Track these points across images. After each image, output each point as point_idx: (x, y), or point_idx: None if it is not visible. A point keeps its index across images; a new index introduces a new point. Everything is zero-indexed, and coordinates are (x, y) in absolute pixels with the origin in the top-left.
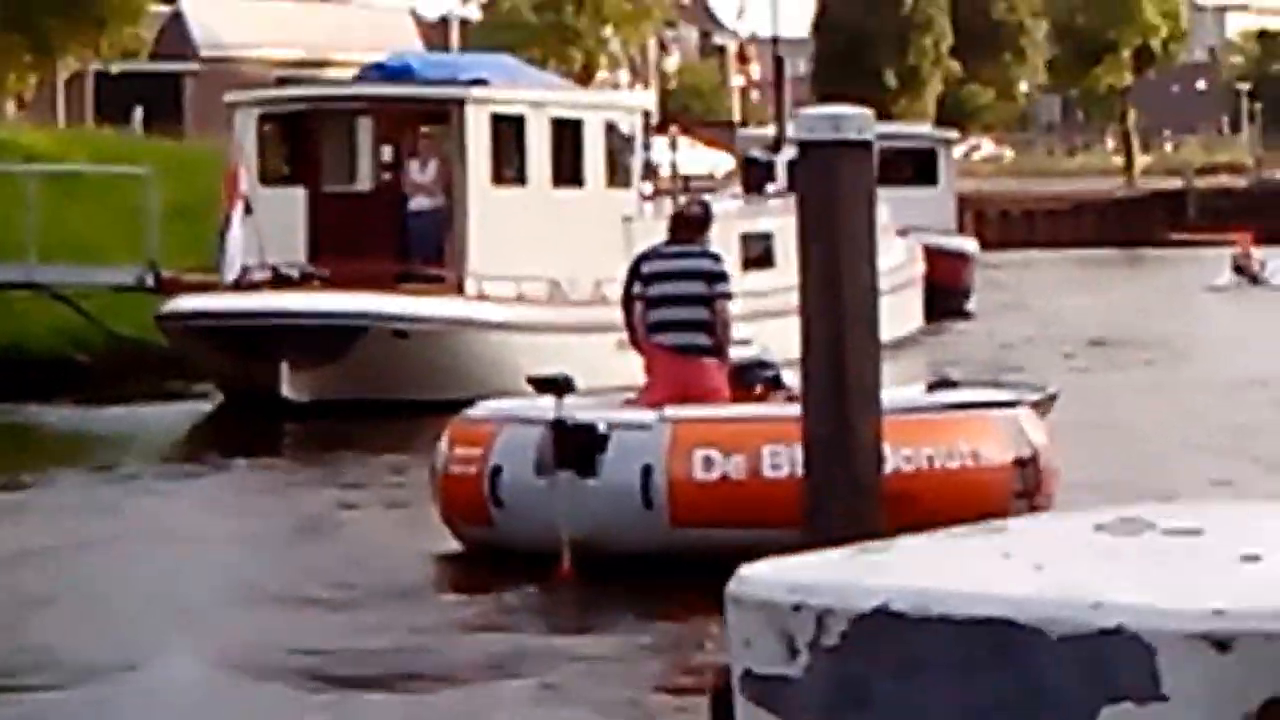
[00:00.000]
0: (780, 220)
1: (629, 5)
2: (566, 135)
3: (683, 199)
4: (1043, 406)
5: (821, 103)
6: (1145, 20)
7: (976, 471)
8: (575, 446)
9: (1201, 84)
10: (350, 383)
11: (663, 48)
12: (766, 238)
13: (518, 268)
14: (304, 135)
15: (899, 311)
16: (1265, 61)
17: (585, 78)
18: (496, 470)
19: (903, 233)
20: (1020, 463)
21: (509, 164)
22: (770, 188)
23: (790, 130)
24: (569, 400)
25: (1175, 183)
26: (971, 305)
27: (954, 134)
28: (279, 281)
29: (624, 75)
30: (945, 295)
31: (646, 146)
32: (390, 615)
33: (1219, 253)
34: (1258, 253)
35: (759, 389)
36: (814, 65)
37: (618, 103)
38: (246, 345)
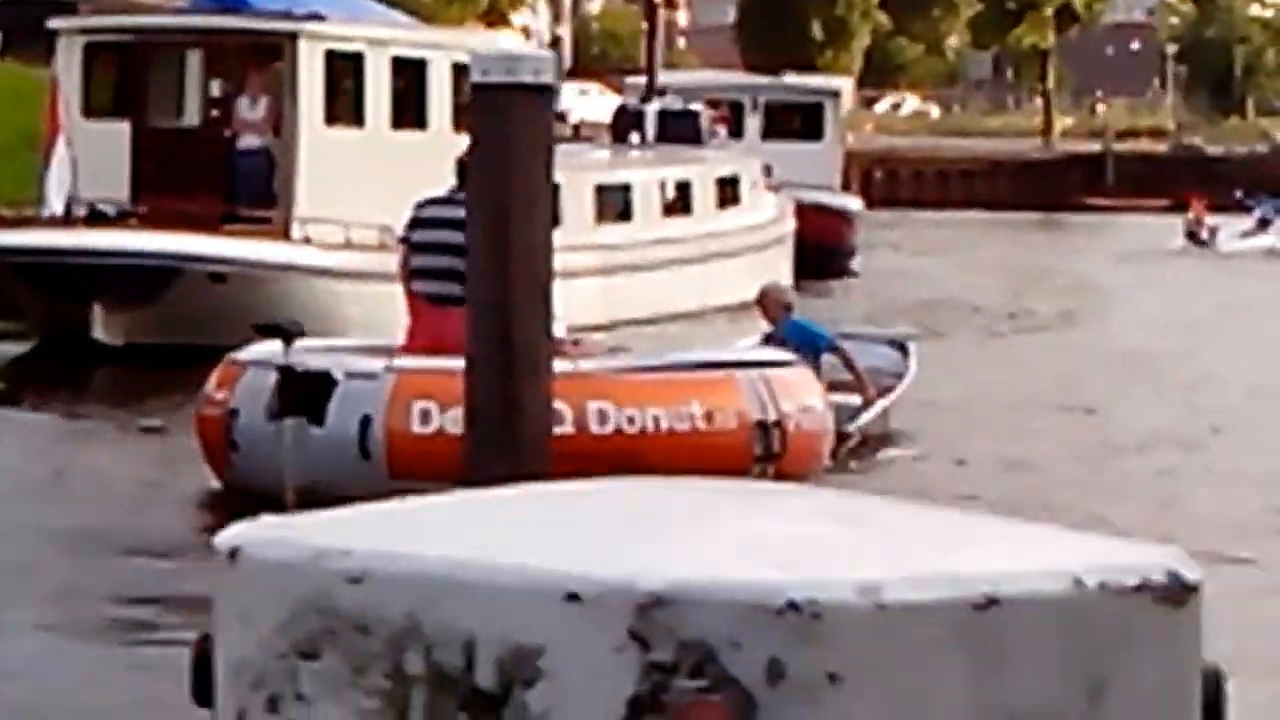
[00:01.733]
0: (641, 172)
1: None
2: (409, 75)
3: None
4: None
5: (746, 54)
6: None
7: (708, 434)
8: (301, 393)
9: (1135, 45)
10: (165, 326)
11: None
12: (624, 189)
13: (349, 212)
14: (130, 67)
15: (763, 269)
16: (1200, 24)
17: (497, 19)
18: (234, 413)
19: (775, 188)
20: (762, 426)
21: (344, 104)
22: (634, 138)
23: (665, 80)
24: (305, 344)
25: (1095, 146)
26: (856, 265)
27: (840, 86)
28: (94, 219)
29: (543, 15)
30: (826, 254)
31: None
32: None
33: (1138, 220)
34: (1211, 219)
35: None
36: (739, 14)
37: (467, 43)
38: (58, 285)
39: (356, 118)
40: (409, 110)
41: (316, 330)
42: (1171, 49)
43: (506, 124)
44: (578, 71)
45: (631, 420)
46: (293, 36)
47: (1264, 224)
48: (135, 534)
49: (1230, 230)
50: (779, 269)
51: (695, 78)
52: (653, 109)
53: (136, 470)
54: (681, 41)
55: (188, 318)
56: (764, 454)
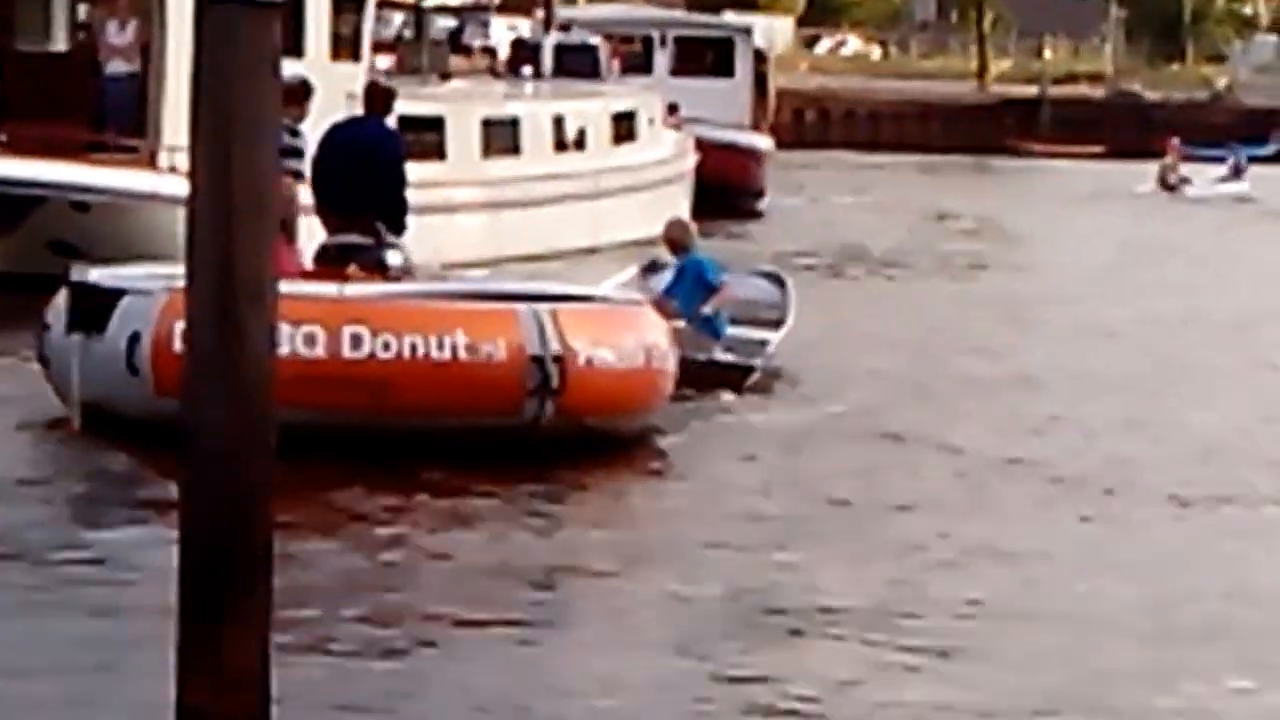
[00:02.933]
0: (531, 106)
1: None
2: (286, 2)
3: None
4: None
5: None
6: None
7: (471, 364)
8: (85, 309)
9: None
10: (26, 255)
11: None
12: (513, 124)
13: None
14: None
15: (660, 206)
16: None
17: None
18: (45, 328)
19: (678, 125)
20: (538, 360)
21: None
22: (527, 70)
23: (573, 14)
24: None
25: (1031, 90)
26: (764, 205)
27: (752, 23)
28: None
29: None
30: (732, 193)
31: (378, 19)
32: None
33: (1072, 165)
34: (1185, 168)
35: (352, 269)
36: None
37: None
38: None
39: None
40: (286, 37)
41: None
42: None
43: (230, 42)
44: (510, 5)
45: (387, 346)
46: None
47: (1237, 171)
48: None
49: (1204, 177)
50: (676, 206)
51: (603, 11)
52: (549, 42)
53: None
54: None
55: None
56: (538, 389)
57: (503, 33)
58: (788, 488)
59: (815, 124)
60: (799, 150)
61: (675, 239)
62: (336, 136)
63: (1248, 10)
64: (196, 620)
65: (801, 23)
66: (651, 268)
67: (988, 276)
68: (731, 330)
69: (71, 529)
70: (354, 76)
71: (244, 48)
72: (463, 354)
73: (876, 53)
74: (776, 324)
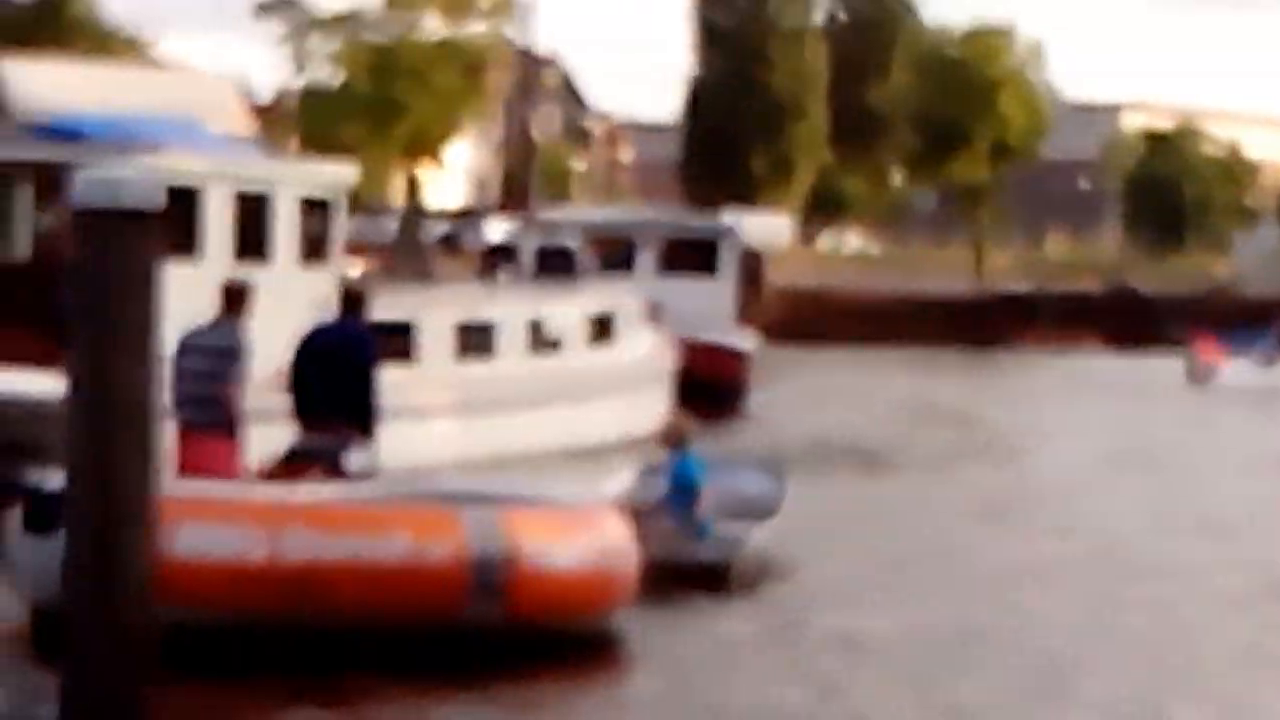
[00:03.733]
0: (506, 309)
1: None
2: (251, 208)
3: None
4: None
5: (689, 189)
6: (1000, 113)
7: (413, 567)
8: (38, 511)
9: (1084, 182)
10: None
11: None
12: (487, 327)
13: None
14: None
15: (638, 406)
16: (1150, 162)
17: (420, 150)
18: (2, 530)
19: (657, 326)
20: (482, 562)
21: (181, 235)
22: (502, 274)
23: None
24: None
25: (1027, 285)
26: (752, 403)
27: (735, 223)
28: None
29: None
30: (716, 392)
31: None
32: None
33: (1069, 359)
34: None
35: (313, 473)
36: (682, 150)
37: (315, 175)
38: None
39: (193, 248)
40: (252, 243)
41: None
42: (1116, 186)
43: (107, 252)
44: (508, 206)
45: (328, 549)
46: None
47: (1270, 360)
48: None
49: (1237, 366)
50: (655, 407)
51: (587, 214)
52: (529, 245)
53: None
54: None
55: None
56: (482, 590)
57: (499, 233)
58: (738, 697)
59: (812, 320)
60: (795, 346)
61: (671, 435)
62: (311, 340)
63: (1248, 201)
64: None
65: (802, 218)
66: (651, 471)
67: (970, 472)
68: (721, 525)
69: None
70: (324, 281)
71: (121, 257)
72: (404, 555)
73: (876, 249)
74: (765, 516)
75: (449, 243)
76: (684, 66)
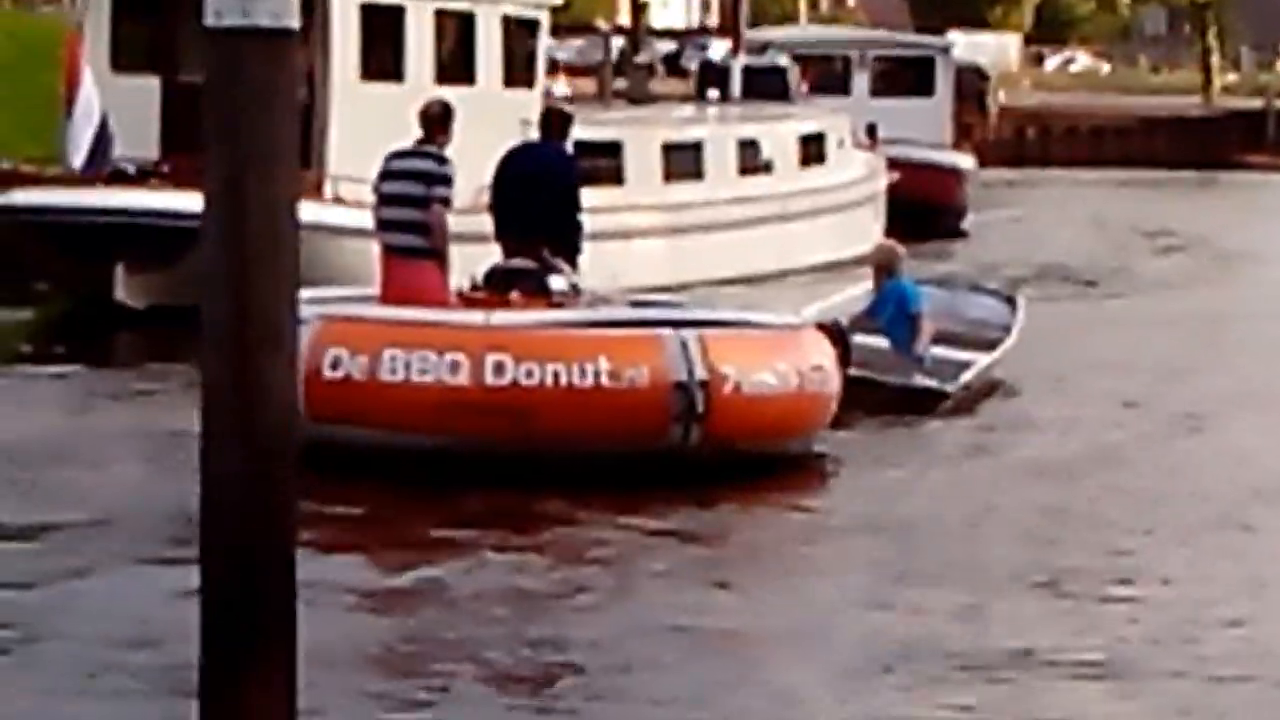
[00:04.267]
0: (714, 130)
1: None
2: (455, 28)
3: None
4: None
5: (915, 11)
6: None
7: (615, 391)
8: None
9: None
10: (190, 289)
11: None
12: (695, 148)
13: None
14: (159, 17)
15: (850, 229)
16: None
17: None
18: None
19: (871, 146)
20: (682, 386)
21: (383, 58)
22: (713, 94)
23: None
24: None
25: (1256, 103)
26: (968, 224)
27: (952, 42)
28: (116, 177)
29: None
30: (933, 213)
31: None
32: None
33: None
34: None
35: (515, 295)
36: None
37: None
38: (79, 245)
39: (396, 72)
40: (455, 64)
41: None
42: None
43: (241, 71)
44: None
45: (530, 374)
46: None
47: None
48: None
49: None
50: (868, 229)
51: (799, 34)
52: (738, 65)
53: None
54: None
55: None
56: (683, 414)
57: (723, 54)
58: (937, 525)
59: (1036, 140)
60: (1020, 168)
61: (882, 263)
62: (511, 162)
63: None
64: (217, 681)
65: (1030, 40)
66: (865, 297)
67: (1194, 293)
68: (942, 351)
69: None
70: (528, 103)
71: (254, 80)
72: (605, 380)
73: (1105, 68)
74: (992, 345)
75: (672, 63)
76: None
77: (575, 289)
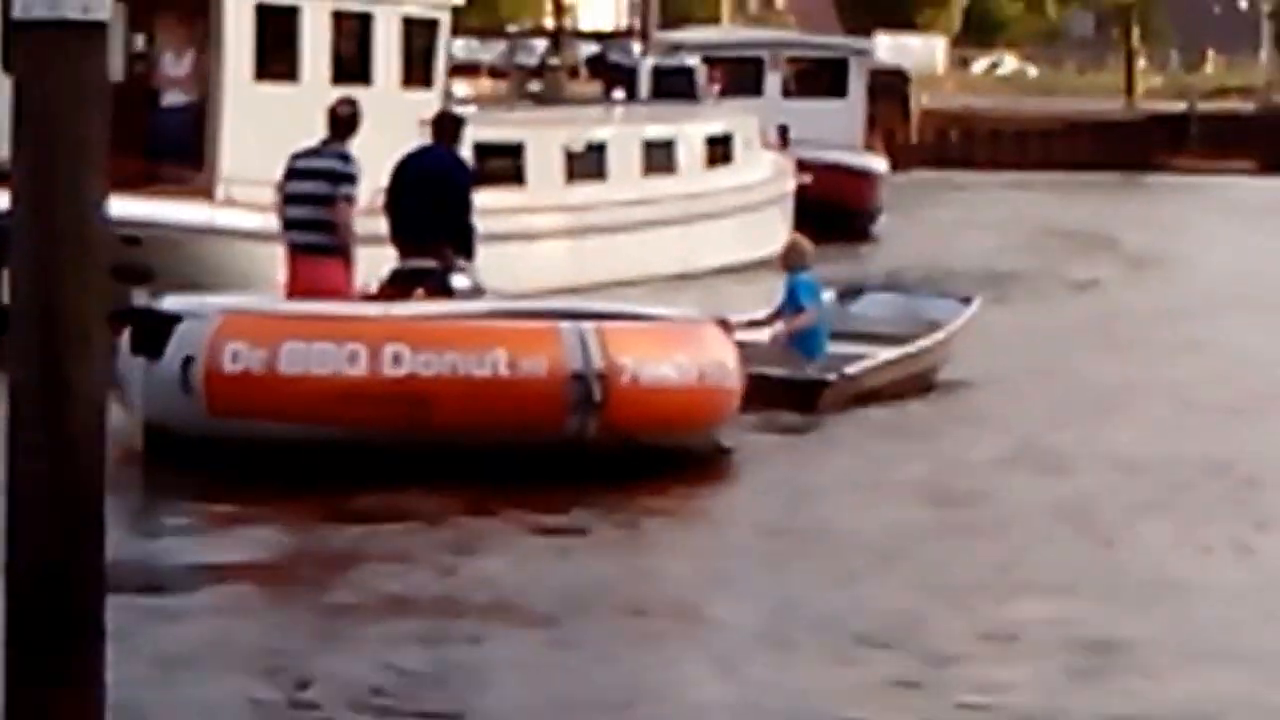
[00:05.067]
0: (617, 130)
1: None
2: (352, 29)
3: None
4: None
5: (843, 13)
6: None
7: (512, 382)
8: (145, 333)
9: (1243, 3)
10: None
11: None
12: (598, 148)
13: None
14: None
15: (755, 230)
16: None
17: None
18: (115, 351)
19: (780, 147)
20: (579, 377)
21: (277, 58)
22: (618, 94)
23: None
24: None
25: (1179, 105)
26: (878, 227)
27: (867, 44)
28: (5, 177)
29: None
30: (845, 216)
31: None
32: None
33: (1223, 180)
34: None
35: (419, 294)
36: None
37: None
38: None
39: (291, 73)
40: (351, 64)
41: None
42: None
43: (50, 66)
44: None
45: (428, 364)
46: None
47: None
48: None
49: None
50: (775, 230)
51: (712, 34)
52: (645, 65)
53: None
54: (781, 1)
55: None
56: (579, 404)
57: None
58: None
59: (959, 143)
60: (943, 170)
61: (785, 256)
62: (407, 165)
63: None
64: (22, 684)
65: (957, 42)
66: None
67: (1099, 294)
68: (843, 347)
69: None
70: (427, 104)
71: (63, 74)
72: (502, 370)
73: (1033, 71)
74: (900, 341)
75: (595, 65)
76: None
77: (478, 288)
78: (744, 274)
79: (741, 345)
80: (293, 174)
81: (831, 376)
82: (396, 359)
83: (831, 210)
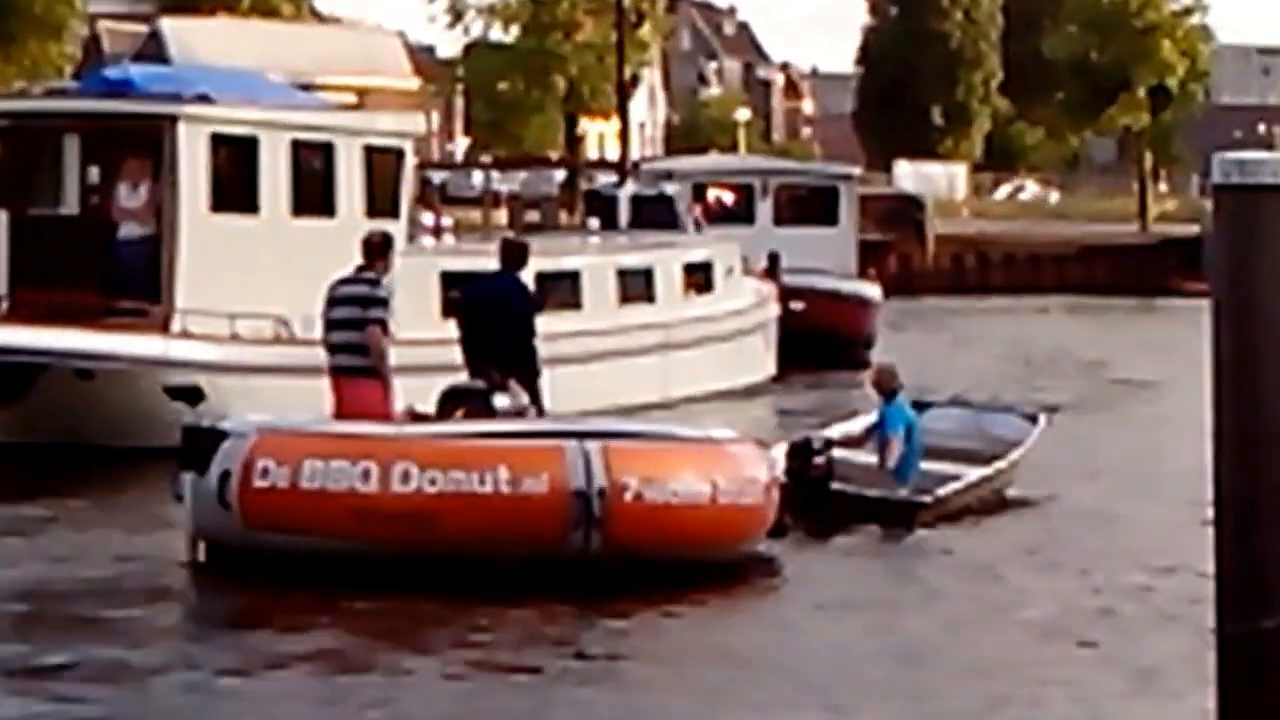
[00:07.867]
0: (591, 259)
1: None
2: (313, 159)
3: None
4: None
5: (866, 141)
6: (1161, 59)
7: (514, 498)
8: (193, 449)
9: (1261, 128)
10: (31, 425)
11: (701, 79)
12: (572, 277)
13: (240, 304)
14: (7, 152)
15: (741, 357)
16: None
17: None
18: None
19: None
20: (580, 494)
21: (235, 189)
22: (594, 223)
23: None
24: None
25: (1193, 229)
26: (874, 355)
27: (856, 171)
28: None
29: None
30: (840, 344)
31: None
32: None
33: None
34: None
35: (460, 414)
36: (857, 102)
37: (380, 125)
38: None
39: (249, 204)
40: (312, 195)
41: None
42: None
43: None
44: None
45: (433, 481)
46: (172, 120)
47: None
48: None
49: None
50: (758, 358)
51: (704, 162)
52: (625, 194)
53: None
54: (806, 130)
55: (53, 416)
56: (580, 521)
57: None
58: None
59: (974, 268)
60: (958, 296)
61: (878, 383)
62: (471, 291)
63: None
64: None
65: (979, 169)
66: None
67: (1083, 420)
68: (934, 466)
69: None
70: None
71: None
72: (504, 487)
73: (1054, 196)
74: (973, 458)
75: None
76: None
77: (521, 408)
78: (727, 401)
79: (831, 463)
80: (331, 301)
81: (927, 499)
82: (405, 476)
83: (825, 338)
